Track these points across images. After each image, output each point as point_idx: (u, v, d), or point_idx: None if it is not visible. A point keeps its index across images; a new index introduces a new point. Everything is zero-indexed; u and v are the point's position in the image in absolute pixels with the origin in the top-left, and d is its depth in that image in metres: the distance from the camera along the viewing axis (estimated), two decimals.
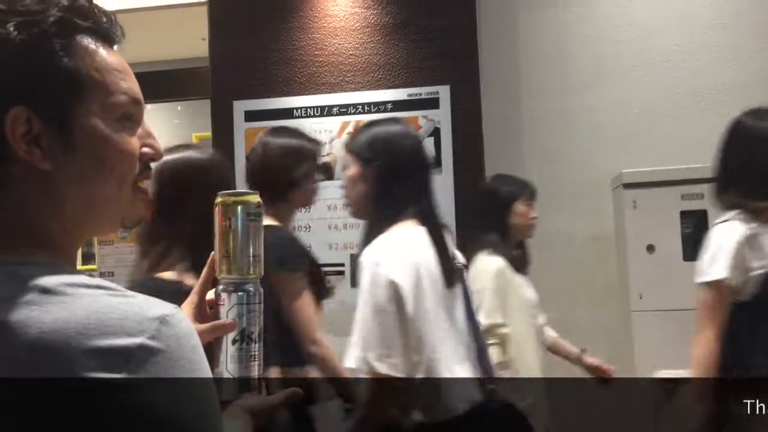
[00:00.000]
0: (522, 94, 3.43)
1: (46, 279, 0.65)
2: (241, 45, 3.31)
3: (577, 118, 3.38)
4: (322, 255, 3.15)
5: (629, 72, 3.37)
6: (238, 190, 0.90)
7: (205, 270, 0.92)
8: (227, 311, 0.88)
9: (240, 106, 3.27)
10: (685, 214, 2.94)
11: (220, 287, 0.89)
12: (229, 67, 3.32)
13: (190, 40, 4.66)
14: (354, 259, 3.13)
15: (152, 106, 6.28)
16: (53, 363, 0.60)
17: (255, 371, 0.88)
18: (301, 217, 3.17)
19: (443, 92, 3.16)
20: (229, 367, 0.87)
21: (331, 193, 3.17)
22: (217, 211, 0.89)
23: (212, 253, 0.90)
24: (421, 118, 3.16)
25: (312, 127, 3.21)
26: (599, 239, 3.31)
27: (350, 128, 3.19)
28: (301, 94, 3.24)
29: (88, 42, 0.74)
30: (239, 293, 0.88)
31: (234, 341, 0.87)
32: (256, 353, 0.89)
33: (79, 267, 6.09)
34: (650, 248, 2.94)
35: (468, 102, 3.17)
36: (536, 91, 3.41)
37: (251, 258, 0.88)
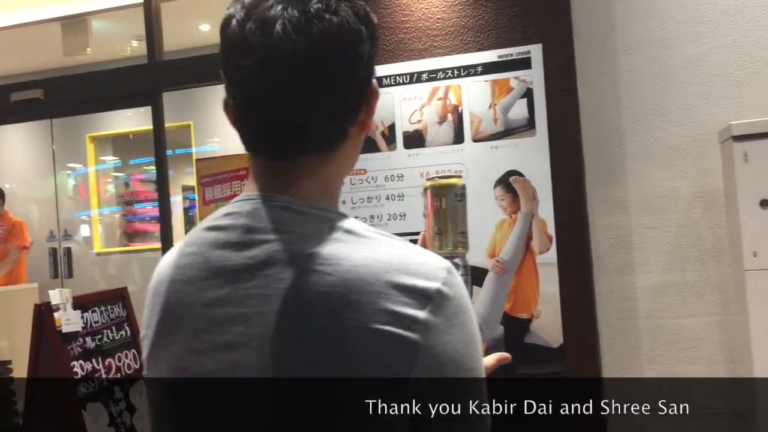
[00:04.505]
0: (618, 48, 3.28)
1: (348, 223, 0.77)
2: None
3: (679, 70, 3.21)
4: (416, 223, 3.15)
5: (735, 17, 3.16)
6: (445, 174, 0.99)
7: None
8: None
9: None
10: None
11: None
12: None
13: None
14: None
15: None
16: (363, 293, 0.70)
17: None
18: (394, 186, 3.18)
19: (535, 51, 3.07)
20: None
21: (423, 160, 3.16)
22: (427, 193, 1.00)
23: (422, 231, 1.02)
24: (513, 80, 3.08)
25: (402, 94, 3.19)
26: (708, 196, 3.15)
27: (440, 94, 3.15)
28: (390, 62, 3.22)
29: None
30: None
31: None
32: None
33: None
34: (764, 203, 2.78)
35: (561, 60, 3.07)
36: (633, 44, 3.26)
37: (460, 234, 0.99)
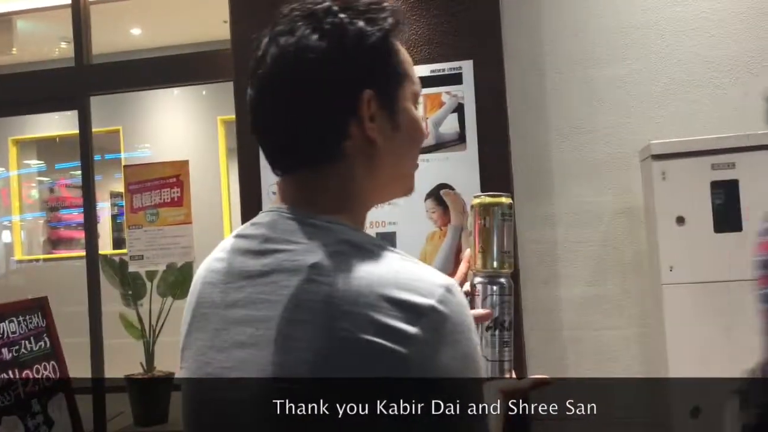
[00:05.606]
0: (547, 66, 3.38)
1: (356, 237, 0.80)
2: (263, 26, 3.30)
3: (604, 90, 3.33)
4: None
5: (657, 41, 3.30)
6: (492, 193, 1.00)
7: (462, 264, 1.03)
8: (482, 301, 0.97)
9: None
10: (715, 185, 2.88)
11: (477, 279, 0.99)
12: (252, 49, 3.31)
13: (212, 24, 4.68)
14: None
15: (177, 90, 6.31)
16: (356, 304, 0.73)
17: (507, 356, 0.98)
18: None
19: (466, 67, 3.13)
20: (484, 351, 0.96)
21: None
22: (474, 211, 0.99)
23: (467, 249, 1.01)
24: (444, 95, 3.13)
25: None
26: (628, 212, 3.27)
27: None
28: None
29: (399, 40, 0.89)
30: (494, 285, 0.97)
31: (488, 328, 0.97)
32: (508, 340, 0.98)
33: (110, 251, 6.10)
34: (680, 220, 2.90)
35: (492, 76, 3.14)
36: (561, 64, 3.37)
37: (505, 254, 0.98)
